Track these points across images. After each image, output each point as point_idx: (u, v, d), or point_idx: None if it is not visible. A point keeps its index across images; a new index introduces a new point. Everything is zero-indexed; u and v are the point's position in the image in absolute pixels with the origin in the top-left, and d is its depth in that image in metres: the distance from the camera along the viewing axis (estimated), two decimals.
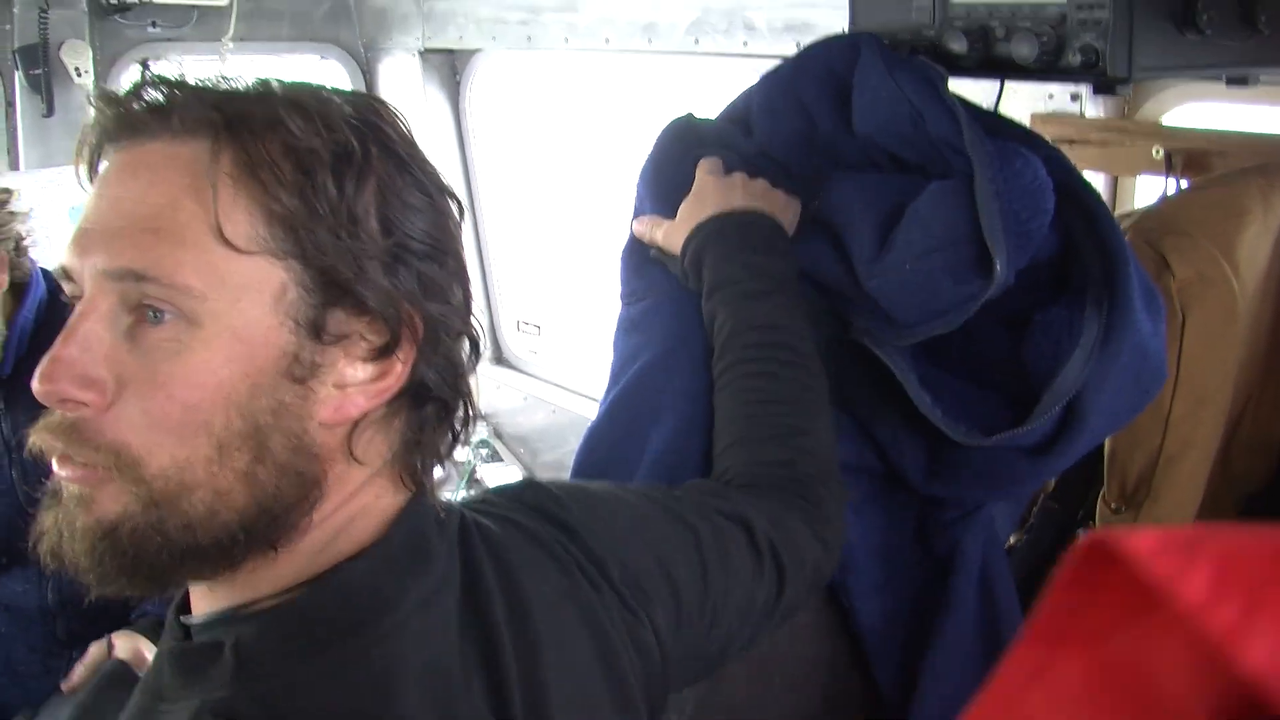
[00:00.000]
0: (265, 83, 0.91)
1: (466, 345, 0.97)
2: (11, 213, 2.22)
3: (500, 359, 3.63)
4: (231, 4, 3.31)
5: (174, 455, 0.84)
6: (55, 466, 0.86)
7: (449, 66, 3.65)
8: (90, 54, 3.36)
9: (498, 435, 3.49)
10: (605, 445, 1.48)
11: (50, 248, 2.40)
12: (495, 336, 3.63)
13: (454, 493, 3.21)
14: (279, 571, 0.90)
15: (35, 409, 0.86)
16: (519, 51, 3.32)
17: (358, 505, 0.93)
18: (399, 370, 0.91)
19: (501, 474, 3.37)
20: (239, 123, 0.87)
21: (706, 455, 1.39)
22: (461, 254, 0.97)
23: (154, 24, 3.54)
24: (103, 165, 0.90)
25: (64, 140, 3.44)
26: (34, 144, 3.48)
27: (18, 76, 3.37)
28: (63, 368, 0.84)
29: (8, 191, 2.24)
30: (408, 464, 0.96)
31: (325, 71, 3.82)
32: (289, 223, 0.86)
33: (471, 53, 3.62)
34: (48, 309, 2.25)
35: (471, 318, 0.98)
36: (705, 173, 1.53)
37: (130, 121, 0.88)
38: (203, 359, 0.84)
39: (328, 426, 0.90)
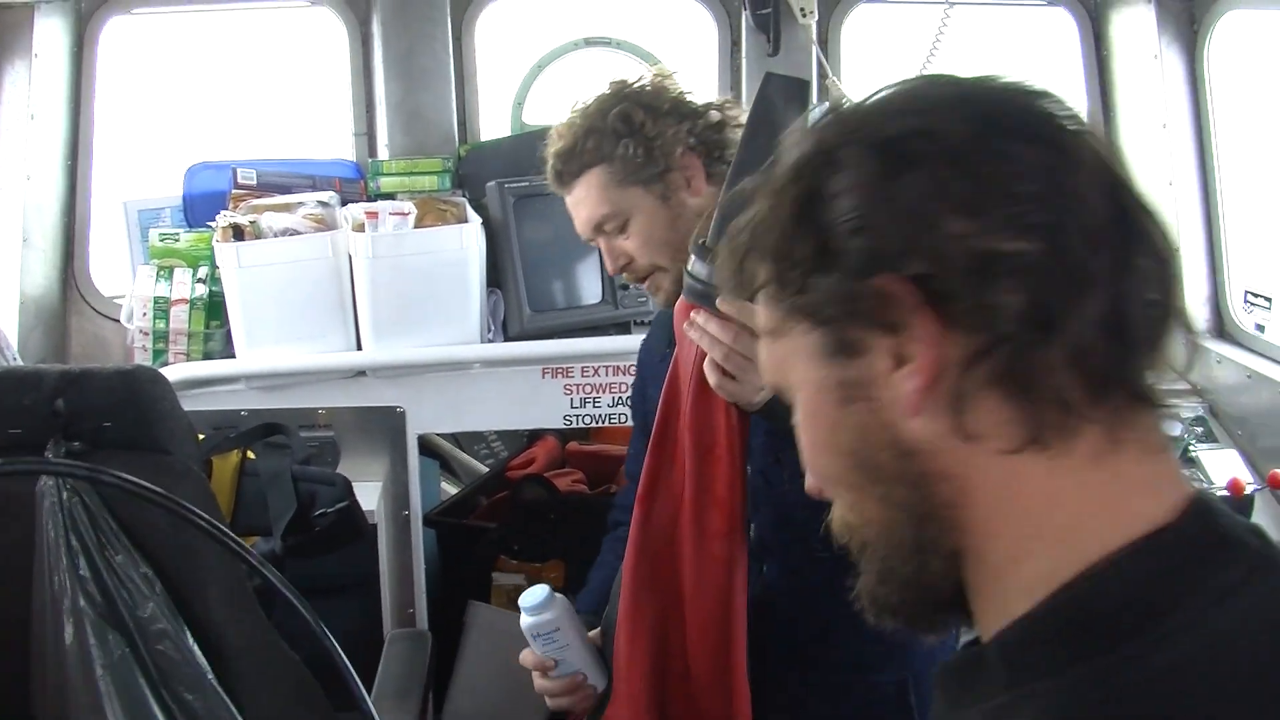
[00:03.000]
0: None
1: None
2: (721, 124, 2.06)
3: (1222, 332, 3.40)
4: None
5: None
6: None
7: (1186, 17, 3.36)
8: None
9: (1214, 414, 3.26)
10: None
11: None
12: (1217, 308, 3.42)
13: None
14: (1017, 583, 0.82)
15: None
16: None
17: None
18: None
19: (1217, 456, 3.15)
20: None
21: None
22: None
23: None
24: None
25: None
26: (756, 82, 3.64)
27: (745, 16, 3.45)
28: None
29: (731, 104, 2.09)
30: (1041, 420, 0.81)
31: (1050, 24, 3.67)
32: None
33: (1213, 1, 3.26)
34: None
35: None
36: None
37: None
38: None
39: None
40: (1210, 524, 0.81)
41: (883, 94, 0.87)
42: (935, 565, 0.86)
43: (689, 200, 2.01)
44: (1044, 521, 0.82)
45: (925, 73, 0.86)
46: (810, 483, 0.94)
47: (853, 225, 0.81)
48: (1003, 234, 0.79)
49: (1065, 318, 0.79)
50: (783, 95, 1.73)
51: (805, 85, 1.82)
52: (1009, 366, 0.79)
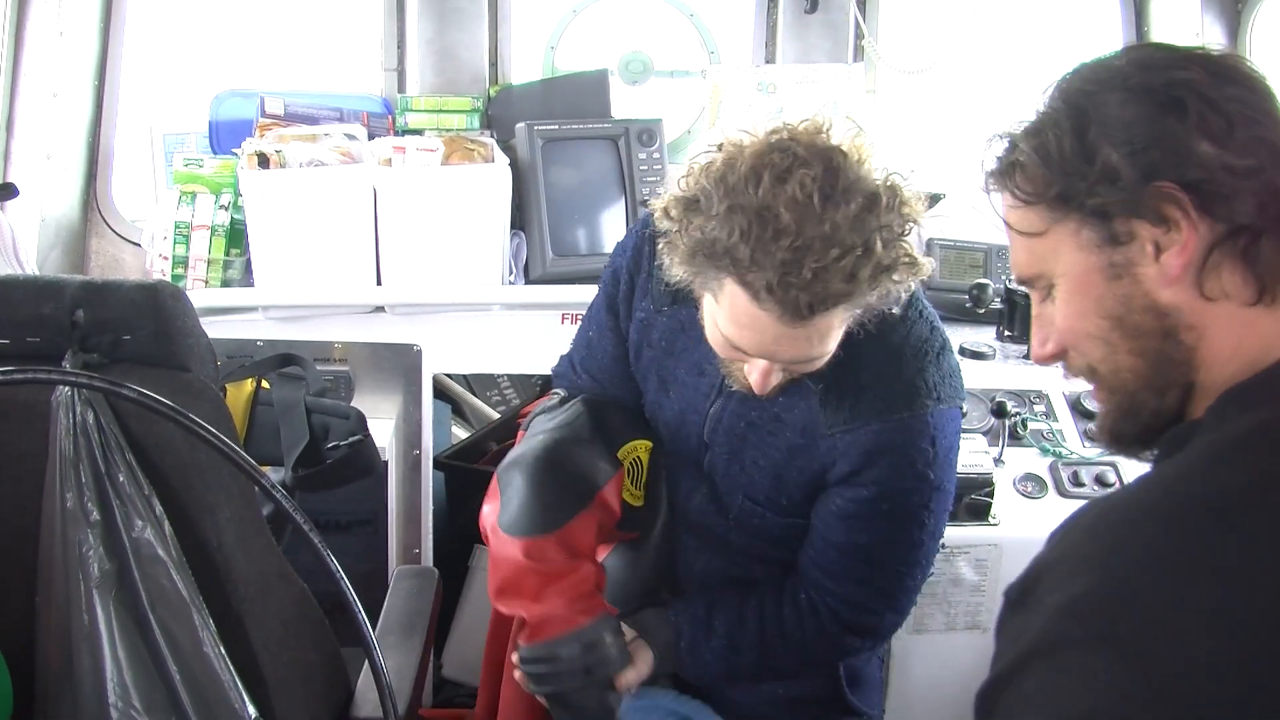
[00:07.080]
0: None
1: None
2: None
3: None
4: None
5: None
6: None
7: None
8: None
9: None
10: None
11: None
12: None
13: None
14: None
15: None
16: None
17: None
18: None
19: None
20: None
21: None
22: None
23: None
24: None
25: (822, 39, 3.58)
26: (792, 39, 3.63)
27: None
28: None
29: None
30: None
31: None
32: None
33: None
34: None
35: None
36: None
37: None
38: None
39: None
40: None
41: (1119, 54, 1.23)
42: (1172, 398, 1.21)
43: None
44: (1262, 350, 1.16)
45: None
46: (1050, 349, 1.28)
47: (1134, 148, 1.16)
48: (1238, 154, 1.14)
49: None
50: None
51: None
52: (1245, 246, 1.15)
